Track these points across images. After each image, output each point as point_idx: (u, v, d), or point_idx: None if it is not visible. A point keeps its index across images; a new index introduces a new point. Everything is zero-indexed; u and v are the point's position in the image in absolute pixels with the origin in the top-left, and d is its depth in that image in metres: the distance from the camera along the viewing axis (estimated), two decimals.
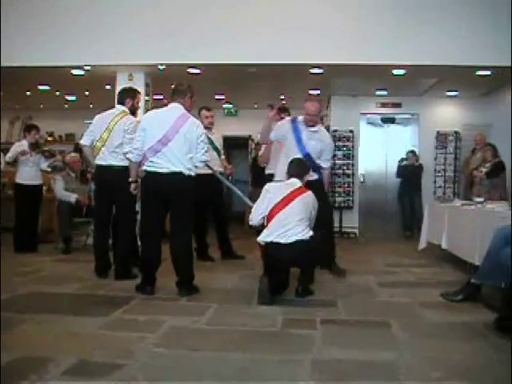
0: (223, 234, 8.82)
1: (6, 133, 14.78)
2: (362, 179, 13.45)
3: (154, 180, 6.03)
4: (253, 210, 6.20)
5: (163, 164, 5.96)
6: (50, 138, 16.70)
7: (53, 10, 9.70)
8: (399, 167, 12.86)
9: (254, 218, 6.10)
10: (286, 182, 6.20)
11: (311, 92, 12.02)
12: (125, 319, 5.02)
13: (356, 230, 12.97)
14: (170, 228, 6.20)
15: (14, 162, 9.28)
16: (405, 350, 4.18)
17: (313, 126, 7.03)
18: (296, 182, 6.16)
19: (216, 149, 8.55)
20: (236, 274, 7.35)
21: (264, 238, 5.84)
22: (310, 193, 6.12)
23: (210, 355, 4.00)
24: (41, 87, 13.08)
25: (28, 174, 9.29)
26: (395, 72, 10.17)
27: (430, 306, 5.61)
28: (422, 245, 9.21)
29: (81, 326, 4.75)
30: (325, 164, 7.19)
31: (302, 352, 4.08)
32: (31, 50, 9.58)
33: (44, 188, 10.48)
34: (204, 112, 8.56)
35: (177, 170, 5.96)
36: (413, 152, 12.81)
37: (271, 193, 6.05)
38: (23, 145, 9.32)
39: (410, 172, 12.64)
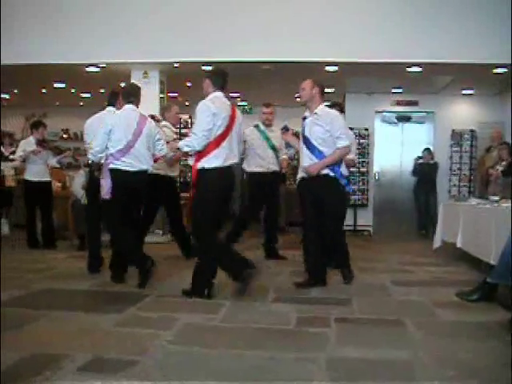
0: (271, 235, 8.68)
1: (22, 129, 14.83)
2: (376, 177, 13.42)
3: (125, 178, 6.33)
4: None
5: (134, 163, 6.34)
6: (64, 136, 16.78)
7: (68, 7, 9.75)
8: (415, 165, 12.81)
9: None
10: None
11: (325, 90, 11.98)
12: (139, 316, 5.03)
13: (370, 228, 12.94)
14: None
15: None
16: (419, 349, 4.15)
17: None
18: None
19: (273, 147, 8.39)
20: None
21: None
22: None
23: (224, 353, 3.99)
24: (56, 85, 13.14)
25: (37, 171, 9.33)
26: (411, 70, 10.14)
27: (445, 305, 5.57)
28: (437, 243, 9.18)
29: (95, 322, 4.77)
30: (339, 143, 6.20)
31: (316, 350, 4.07)
32: (46, 48, 9.64)
33: (58, 185, 10.54)
34: (262, 108, 8.54)
35: (144, 167, 6.46)
36: (428, 150, 12.75)
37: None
38: (30, 141, 9.35)
39: (425, 170, 12.58)
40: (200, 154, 5.64)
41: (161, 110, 7.21)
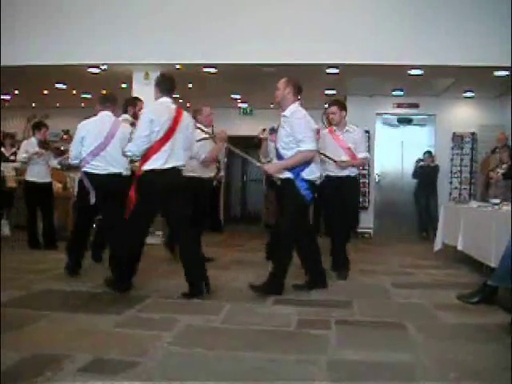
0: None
1: (23, 130, 14.82)
2: (377, 179, 13.43)
3: (97, 181, 6.73)
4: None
5: (103, 166, 6.71)
6: (65, 137, 16.77)
7: (69, 8, 9.77)
8: (416, 168, 12.82)
9: None
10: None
11: (327, 92, 11.99)
12: (140, 317, 5.03)
13: (371, 231, 12.95)
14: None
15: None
16: (420, 351, 4.15)
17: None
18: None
19: None
20: (251, 273, 7.34)
21: None
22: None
23: (225, 354, 3.99)
24: (57, 85, 13.14)
25: (38, 172, 9.33)
26: (412, 72, 10.15)
27: (446, 308, 5.58)
28: (438, 246, 9.19)
29: (96, 323, 4.76)
30: (301, 147, 6.00)
31: (316, 352, 4.07)
32: (48, 49, 9.66)
33: (59, 185, 10.55)
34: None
35: (116, 171, 6.75)
36: (429, 153, 12.76)
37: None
38: (33, 142, 9.36)
39: (426, 173, 12.60)
40: (143, 159, 5.87)
41: (192, 113, 7.17)
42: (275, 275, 6.00)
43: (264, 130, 7.71)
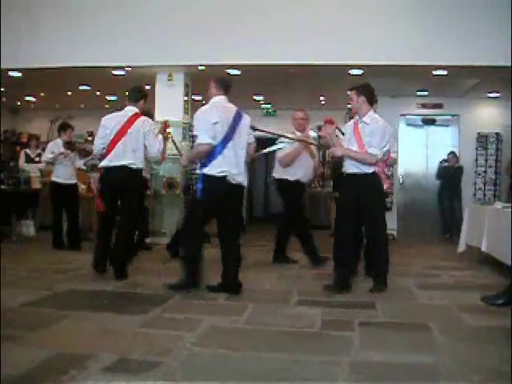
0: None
1: (47, 132, 14.95)
2: (401, 180, 13.37)
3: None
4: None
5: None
6: (89, 138, 16.88)
7: (94, 10, 9.83)
8: (439, 169, 12.74)
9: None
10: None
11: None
12: (163, 318, 5.05)
13: (394, 232, 12.87)
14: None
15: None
16: (443, 353, 4.13)
17: None
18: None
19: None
20: (274, 273, 7.35)
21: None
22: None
23: (249, 355, 3.99)
24: (81, 87, 13.24)
25: (64, 173, 9.39)
26: (436, 72, 10.08)
27: (470, 310, 5.53)
28: (462, 247, 9.12)
29: (120, 323, 4.80)
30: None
31: (340, 354, 4.06)
32: (72, 51, 9.72)
33: (83, 187, 10.62)
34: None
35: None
36: (453, 153, 12.68)
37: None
38: (58, 143, 9.43)
39: (450, 174, 12.52)
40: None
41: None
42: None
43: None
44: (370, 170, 6.25)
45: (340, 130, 7.31)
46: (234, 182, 6.02)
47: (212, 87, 6.34)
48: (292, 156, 7.99)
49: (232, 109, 6.17)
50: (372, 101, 6.44)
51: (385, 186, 6.48)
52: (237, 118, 6.11)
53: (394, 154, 7.16)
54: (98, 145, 6.92)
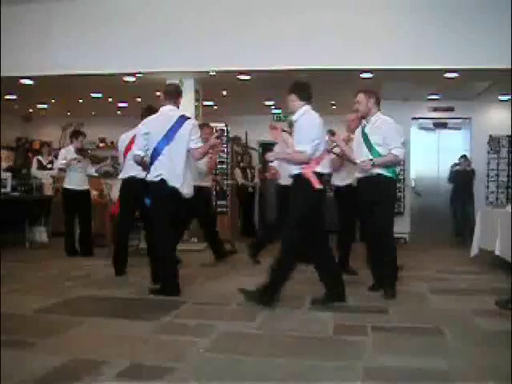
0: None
1: (59, 139, 15.02)
2: (413, 184, 13.33)
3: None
4: None
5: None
6: (101, 144, 16.95)
7: (104, 18, 9.87)
8: (451, 172, 12.70)
9: None
10: None
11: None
12: (176, 323, 5.06)
13: (406, 236, 12.84)
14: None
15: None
16: (457, 357, 4.11)
17: None
18: None
19: None
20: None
21: None
22: None
23: (262, 360, 3.99)
24: (93, 94, 13.30)
25: (76, 179, 9.40)
26: (447, 76, 10.06)
27: (483, 314, 5.51)
28: (474, 251, 9.07)
29: (133, 329, 4.81)
30: None
31: (353, 358, 4.05)
32: (83, 58, 9.75)
33: (95, 193, 10.66)
34: None
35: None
36: (465, 157, 12.64)
37: None
38: (70, 150, 9.45)
39: (462, 177, 12.47)
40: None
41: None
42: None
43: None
44: (296, 171, 5.81)
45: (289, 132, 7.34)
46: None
47: (161, 98, 6.53)
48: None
49: (173, 117, 6.26)
50: (303, 98, 5.95)
51: (318, 186, 5.70)
52: (177, 125, 6.20)
53: (396, 150, 6.30)
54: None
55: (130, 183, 7.25)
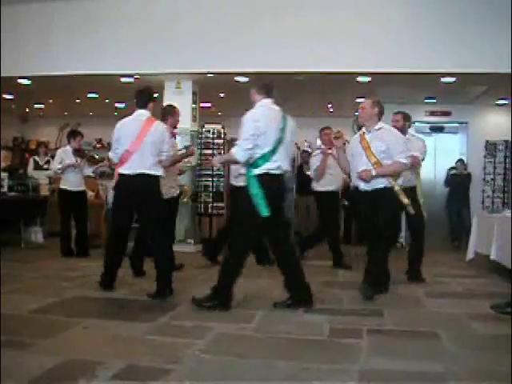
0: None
1: (56, 139, 15.02)
2: None
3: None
4: None
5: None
6: (98, 145, 16.94)
7: (102, 19, 9.87)
8: (448, 176, 12.71)
9: None
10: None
11: (358, 100, 11.96)
12: (172, 325, 5.06)
13: (403, 240, 12.83)
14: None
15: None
16: (453, 361, 4.12)
17: None
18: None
19: None
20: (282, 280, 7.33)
21: None
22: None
23: (257, 362, 3.99)
24: (90, 95, 13.29)
25: (73, 180, 9.35)
26: (444, 80, 10.08)
27: (479, 318, 5.51)
28: (470, 255, 9.08)
29: (128, 330, 4.81)
30: None
31: (348, 361, 4.06)
32: (80, 59, 9.76)
33: (91, 194, 10.64)
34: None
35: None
36: (461, 161, 12.65)
37: None
38: (67, 151, 9.41)
39: (458, 181, 12.48)
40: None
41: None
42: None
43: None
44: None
45: None
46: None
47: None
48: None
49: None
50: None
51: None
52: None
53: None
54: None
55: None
